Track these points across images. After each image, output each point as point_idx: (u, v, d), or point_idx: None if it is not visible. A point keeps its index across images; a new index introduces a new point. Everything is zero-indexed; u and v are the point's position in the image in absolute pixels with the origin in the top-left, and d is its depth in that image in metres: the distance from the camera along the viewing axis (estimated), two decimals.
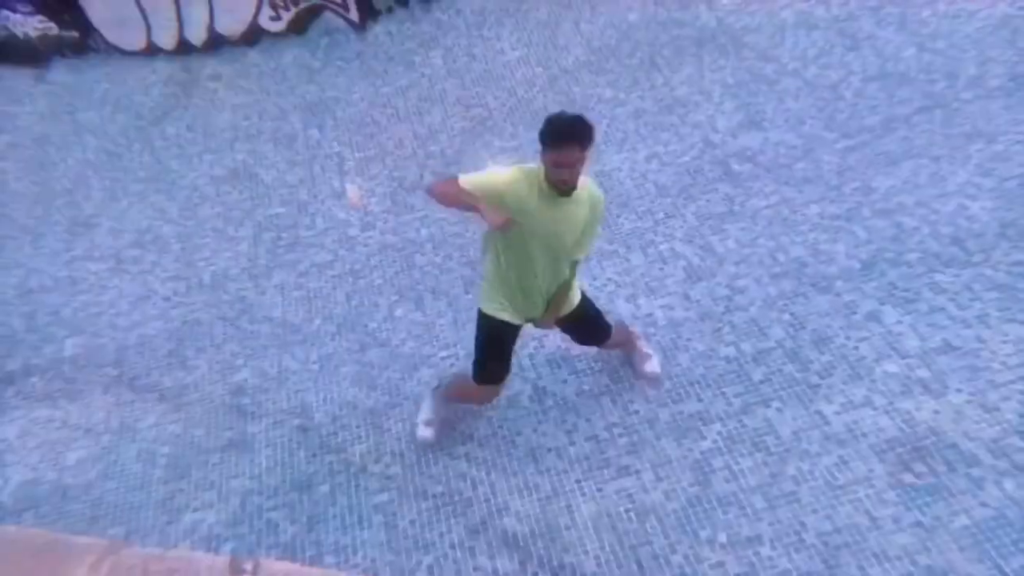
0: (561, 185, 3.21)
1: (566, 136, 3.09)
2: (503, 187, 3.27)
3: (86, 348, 5.38)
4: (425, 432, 4.17)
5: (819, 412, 3.94)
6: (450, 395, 4.18)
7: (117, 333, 5.45)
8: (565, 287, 3.65)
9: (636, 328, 4.46)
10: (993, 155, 5.00)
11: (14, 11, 7.87)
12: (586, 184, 3.37)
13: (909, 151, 5.20)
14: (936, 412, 3.79)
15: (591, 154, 3.20)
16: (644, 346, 4.37)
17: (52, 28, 7.92)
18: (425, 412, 4.23)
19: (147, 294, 5.71)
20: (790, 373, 4.15)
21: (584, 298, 3.88)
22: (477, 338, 3.75)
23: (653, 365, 4.30)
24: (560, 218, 3.35)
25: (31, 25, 7.94)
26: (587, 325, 3.98)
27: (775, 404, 4.03)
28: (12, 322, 5.68)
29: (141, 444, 4.69)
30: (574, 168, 3.15)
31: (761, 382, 4.15)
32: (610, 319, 4.12)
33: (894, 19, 6.34)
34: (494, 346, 3.73)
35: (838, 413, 3.91)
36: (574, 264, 3.62)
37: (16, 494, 4.53)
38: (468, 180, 3.27)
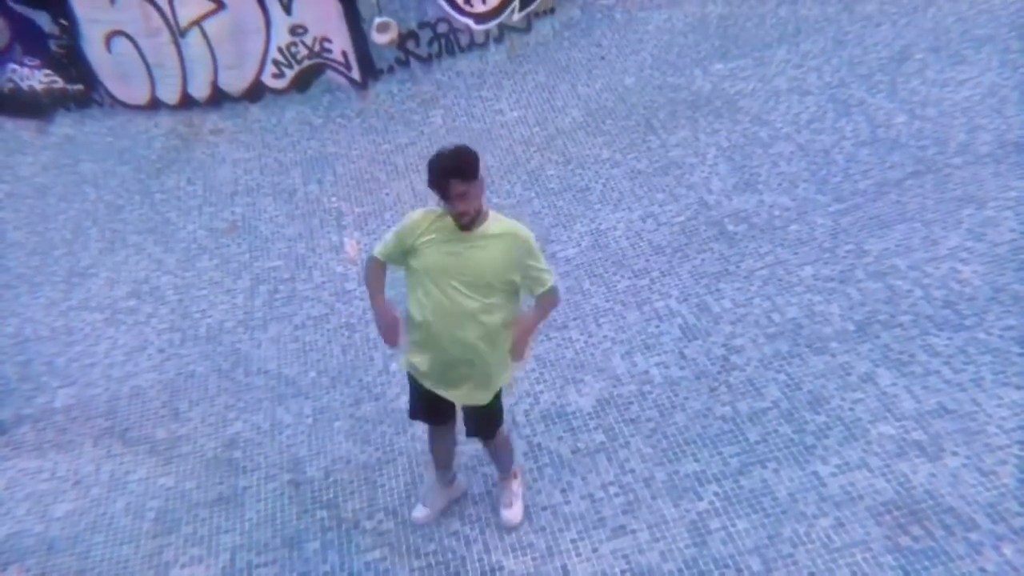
0: (459, 219, 3.22)
1: (442, 173, 3.14)
2: (398, 232, 3.40)
3: (78, 399, 5.34)
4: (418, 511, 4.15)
5: (815, 473, 3.92)
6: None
7: (110, 384, 5.42)
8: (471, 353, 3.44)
9: (518, 469, 4.18)
10: (984, 220, 5.08)
11: (21, 64, 7.98)
12: (502, 225, 3.34)
13: (901, 215, 5.28)
14: (933, 475, 3.78)
15: (480, 185, 3.21)
16: (516, 486, 4.10)
17: (57, 81, 8.03)
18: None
19: (142, 345, 5.69)
20: (786, 434, 4.15)
21: (493, 402, 3.66)
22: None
23: (513, 513, 4.04)
24: (463, 254, 3.28)
25: (37, 78, 8.05)
26: (476, 423, 3.79)
27: (771, 465, 4.02)
28: (6, 371, 5.64)
29: (130, 497, 4.63)
30: (464, 200, 3.16)
31: (757, 442, 4.14)
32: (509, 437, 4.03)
33: (885, 86, 6.50)
34: (412, 392, 3.76)
35: (834, 475, 3.90)
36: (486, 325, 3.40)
37: (1, 547, 4.45)
38: (378, 249, 3.47)
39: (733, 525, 3.80)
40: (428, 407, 3.73)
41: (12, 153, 7.99)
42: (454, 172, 3.13)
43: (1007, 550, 3.45)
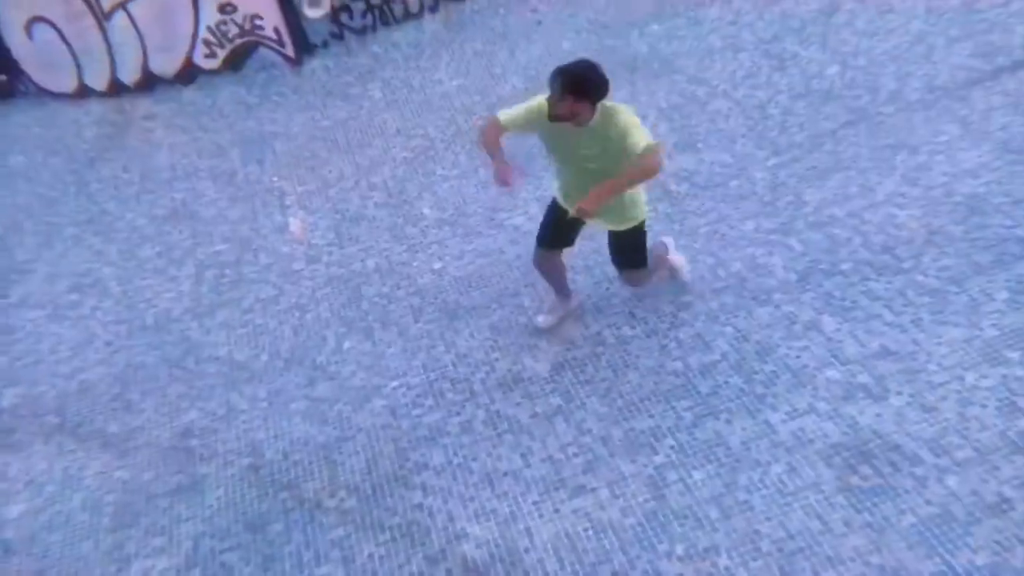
0: (551, 110, 3.84)
1: (550, 79, 3.79)
2: (524, 114, 4.00)
3: (25, 398, 5.23)
4: (545, 320, 4.83)
5: (766, 421, 4.03)
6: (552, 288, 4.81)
7: (58, 381, 5.31)
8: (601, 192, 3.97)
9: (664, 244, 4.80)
10: (917, 165, 5.21)
11: None
12: (610, 117, 3.90)
13: (837, 164, 5.39)
14: (878, 415, 3.90)
15: (576, 100, 3.72)
16: (674, 260, 4.82)
17: None
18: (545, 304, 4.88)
19: (88, 339, 5.58)
20: (736, 384, 4.24)
21: (633, 230, 4.30)
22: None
23: (683, 273, 4.85)
24: (571, 139, 3.96)
25: None
26: (619, 253, 4.45)
27: (724, 416, 4.11)
28: None
29: (86, 493, 4.57)
30: (557, 104, 3.78)
31: (709, 395, 4.23)
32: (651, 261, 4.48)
33: (816, 39, 6.59)
34: (548, 219, 4.48)
35: (784, 421, 4.00)
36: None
37: None
38: (504, 114, 4.04)
39: (690, 476, 3.89)
40: (556, 238, 4.47)
41: None
42: (553, 79, 3.76)
43: (951, 481, 3.59)
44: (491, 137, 4.11)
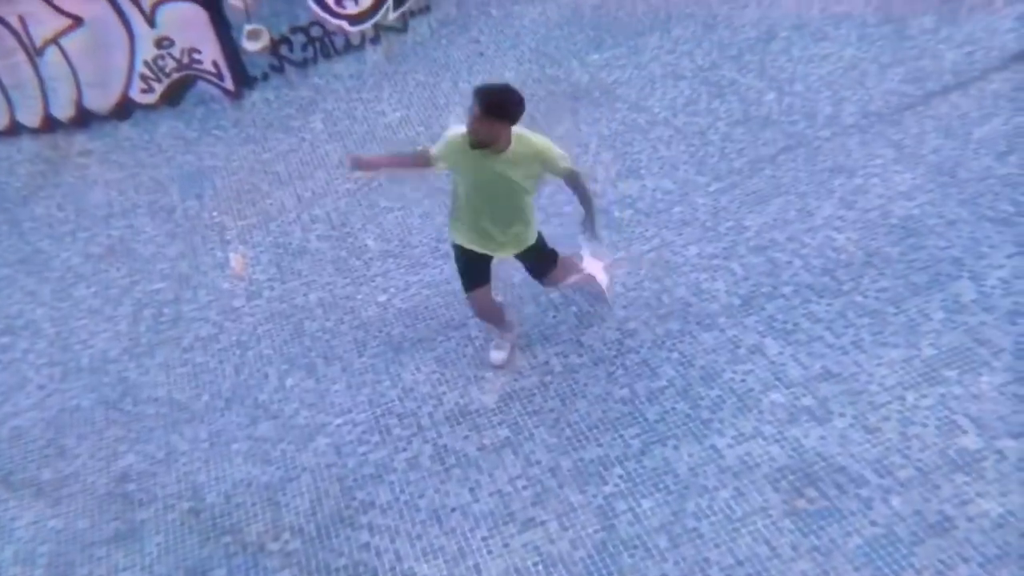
0: (471, 135, 3.86)
1: (473, 94, 3.81)
2: (446, 148, 4.09)
3: None
4: (497, 355, 4.78)
5: (713, 446, 4.03)
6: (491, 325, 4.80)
7: None
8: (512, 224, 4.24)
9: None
10: (854, 188, 5.32)
11: None
12: (524, 143, 3.95)
13: (777, 189, 5.47)
14: (823, 437, 3.93)
15: (497, 122, 3.78)
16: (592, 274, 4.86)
17: None
18: (494, 341, 4.83)
19: (20, 383, 5.38)
20: (683, 410, 4.24)
21: (536, 246, 4.43)
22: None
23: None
24: (489, 168, 3.96)
25: None
26: (534, 265, 4.56)
27: (671, 442, 4.10)
28: None
29: (18, 545, 4.38)
30: (475, 125, 3.80)
31: (656, 421, 4.22)
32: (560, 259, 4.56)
33: (754, 66, 6.72)
34: (460, 264, 4.47)
35: (731, 446, 4.01)
36: (518, 209, 4.19)
37: None
38: (436, 149, 4.15)
39: (639, 505, 3.87)
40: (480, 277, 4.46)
41: None
42: (475, 97, 3.78)
43: (895, 501, 3.62)
44: (410, 159, 4.38)
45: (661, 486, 3.92)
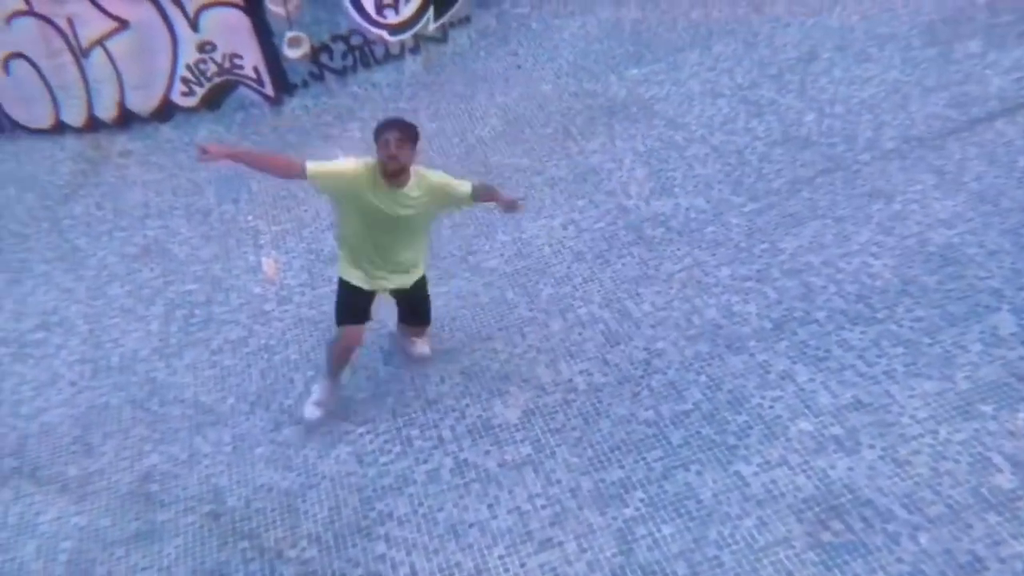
0: (387, 161, 3.92)
1: (388, 123, 3.99)
2: (337, 172, 4.04)
3: None
4: (313, 411, 4.70)
5: (738, 473, 3.95)
6: (330, 366, 4.66)
7: (18, 422, 5.18)
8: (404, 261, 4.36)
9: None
10: (892, 214, 5.21)
11: None
12: (422, 177, 4.12)
13: (814, 212, 5.38)
14: (850, 469, 3.83)
15: (413, 149, 3.99)
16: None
17: None
18: (315, 394, 4.74)
19: (52, 379, 5.46)
20: (708, 435, 4.17)
21: (423, 281, 4.56)
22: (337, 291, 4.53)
23: (421, 348, 4.96)
24: (390, 202, 4.06)
25: None
26: (414, 310, 4.70)
27: (695, 467, 4.03)
28: None
29: (41, 540, 4.42)
30: (397, 151, 3.90)
31: (680, 445, 4.15)
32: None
33: (794, 86, 6.63)
34: (345, 300, 4.46)
35: (756, 474, 3.93)
36: (415, 246, 4.37)
37: None
38: (312, 164, 4.02)
39: (659, 531, 3.80)
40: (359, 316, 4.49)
41: None
42: (393, 123, 3.99)
43: (923, 539, 3.51)
44: (274, 161, 4.35)
45: (683, 512, 3.85)
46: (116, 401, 5.20)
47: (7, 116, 7.74)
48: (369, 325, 4.57)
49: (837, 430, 4.02)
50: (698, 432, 4.19)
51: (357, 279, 4.37)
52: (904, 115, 6.04)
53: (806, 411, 4.15)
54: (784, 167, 5.83)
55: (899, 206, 5.26)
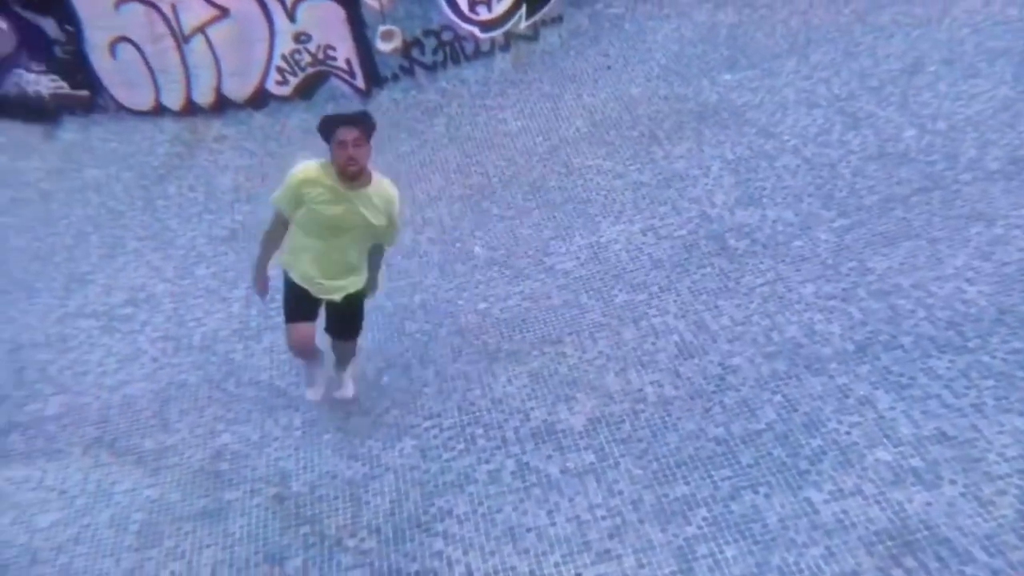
0: (346, 164, 3.75)
1: (343, 120, 3.79)
2: (294, 182, 3.90)
3: (70, 407, 5.30)
4: (311, 393, 4.78)
5: (807, 499, 3.80)
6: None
7: (102, 393, 5.38)
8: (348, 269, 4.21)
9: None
10: (992, 239, 4.94)
11: (27, 70, 8.01)
12: (383, 186, 4.01)
13: (907, 232, 5.14)
14: (928, 504, 3.64)
15: (369, 146, 3.87)
16: (350, 376, 4.83)
17: (63, 87, 8.06)
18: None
19: (135, 354, 5.66)
20: (779, 457, 4.03)
21: (360, 294, 4.39)
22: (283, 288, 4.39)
23: (346, 391, 4.82)
24: (345, 204, 3.90)
25: (43, 84, 8.07)
26: (344, 320, 4.47)
27: (763, 489, 3.90)
28: (0, 377, 5.62)
29: (115, 509, 4.58)
30: (357, 151, 3.73)
31: (750, 466, 4.03)
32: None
33: (895, 99, 6.36)
34: (290, 298, 4.34)
35: (827, 501, 3.77)
36: (367, 254, 4.27)
37: None
38: (273, 197, 4.03)
39: (721, 552, 3.69)
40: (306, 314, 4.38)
41: (18, 158, 8.00)
42: (352, 120, 3.81)
43: None
44: (276, 238, 4.19)
45: (747, 534, 3.73)
46: (194, 379, 5.35)
47: (112, 97, 8.06)
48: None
49: (917, 462, 3.82)
50: (769, 453, 4.06)
51: (298, 276, 4.23)
52: (1013, 134, 5.72)
53: (885, 440, 3.97)
54: (878, 183, 5.60)
55: (1000, 230, 4.98)
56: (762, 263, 5.22)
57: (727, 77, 7.21)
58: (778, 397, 4.34)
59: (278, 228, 4.18)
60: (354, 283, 4.31)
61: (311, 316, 4.33)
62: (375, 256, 4.39)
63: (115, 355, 5.67)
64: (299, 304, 4.29)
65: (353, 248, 4.14)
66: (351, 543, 4.14)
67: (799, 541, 3.64)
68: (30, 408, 5.34)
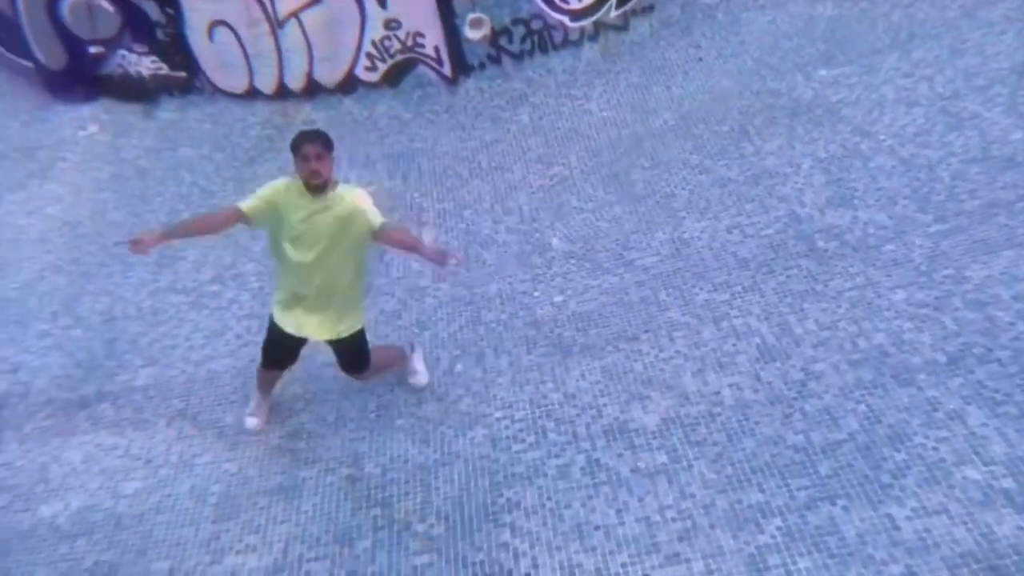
0: (310, 177, 3.96)
1: (305, 137, 4.03)
2: (269, 195, 4.07)
3: (157, 379, 5.49)
4: (252, 421, 4.91)
5: (889, 515, 3.66)
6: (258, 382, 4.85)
7: (188, 367, 5.55)
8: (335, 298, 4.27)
9: (412, 345, 5.03)
10: None
11: (130, 51, 8.30)
12: (350, 197, 4.12)
13: (1010, 240, 4.88)
14: (1020, 528, 3.47)
15: (331, 158, 4.06)
16: (417, 361, 4.93)
17: (163, 68, 8.32)
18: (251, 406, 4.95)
19: (221, 330, 5.81)
20: (861, 470, 3.88)
21: (360, 336, 4.46)
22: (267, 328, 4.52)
23: (418, 378, 4.91)
24: (314, 217, 4.04)
25: (144, 65, 8.36)
26: (351, 359, 4.55)
27: (841, 502, 3.77)
28: (94, 347, 5.85)
29: (196, 480, 4.72)
30: (319, 164, 3.94)
31: (829, 476, 3.90)
32: (375, 348, 4.62)
33: (1003, 100, 6.04)
34: (270, 342, 4.50)
35: (909, 518, 3.62)
36: (342, 281, 4.25)
37: (74, 518, 4.61)
38: (249, 201, 4.08)
39: (794, 563, 3.59)
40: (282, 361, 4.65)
41: (119, 136, 8.31)
42: (313, 135, 4.06)
43: None
44: (209, 220, 4.42)
45: (823, 547, 3.61)
46: None
47: (208, 80, 8.28)
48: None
49: (1009, 483, 3.64)
50: (850, 465, 3.92)
51: (288, 323, 4.33)
52: None
53: (975, 458, 3.78)
54: (980, 188, 5.33)
55: None
56: (852, 266, 5.04)
57: (823, 72, 6.97)
58: (862, 407, 4.19)
59: (219, 216, 4.36)
60: (347, 324, 4.39)
61: (284, 365, 4.64)
62: (395, 242, 4.27)
63: (202, 330, 5.84)
64: (274, 350, 4.51)
65: (338, 267, 4.20)
66: (420, 528, 4.18)
67: (877, 558, 3.51)
68: (120, 378, 5.55)
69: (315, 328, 4.34)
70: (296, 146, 4.02)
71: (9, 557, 4.44)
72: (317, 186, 4.02)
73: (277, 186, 4.11)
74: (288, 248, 4.15)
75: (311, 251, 4.12)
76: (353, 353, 4.53)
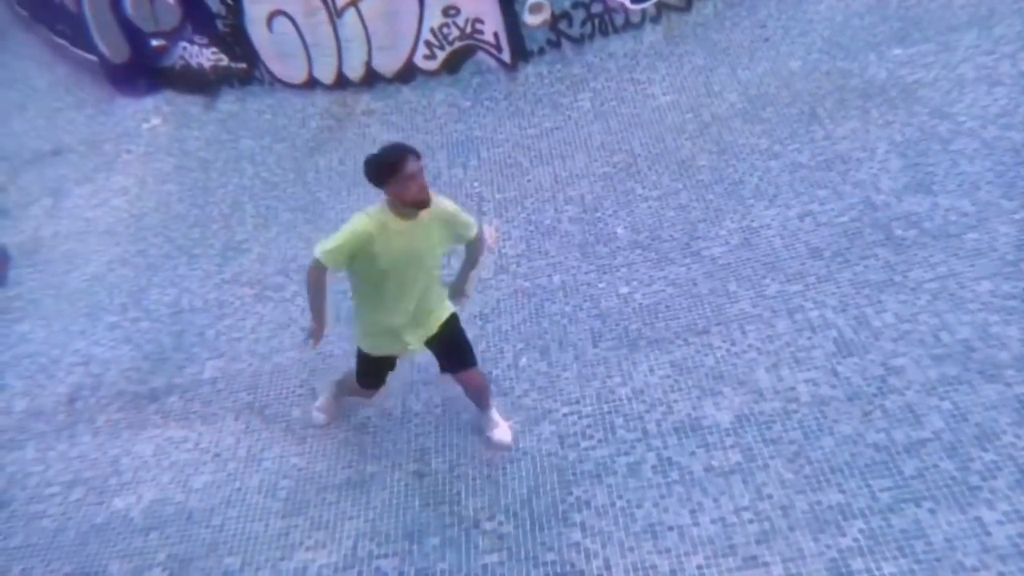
0: (420, 194, 3.69)
1: (400, 154, 3.68)
2: (351, 238, 3.72)
3: (224, 372, 5.54)
4: (319, 416, 4.90)
5: (978, 519, 3.51)
6: (341, 392, 4.77)
7: (254, 360, 5.58)
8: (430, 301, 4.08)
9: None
10: None
11: (191, 42, 8.37)
12: (438, 199, 3.90)
13: None
14: None
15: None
16: (495, 412, 4.53)
17: (223, 59, 8.38)
18: (320, 400, 4.92)
19: (286, 323, 5.84)
20: (948, 470, 3.73)
21: (454, 316, 4.22)
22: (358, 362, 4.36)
23: (502, 433, 4.49)
24: (413, 241, 3.80)
25: (205, 56, 8.43)
26: (454, 347, 4.22)
27: (927, 504, 3.62)
28: (162, 339, 5.93)
29: (264, 474, 4.75)
30: (423, 180, 3.70)
31: (913, 477, 3.75)
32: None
33: None
34: (370, 371, 4.36)
35: (1001, 523, 3.47)
36: (435, 288, 4.09)
37: (146, 512, 4.68)
38: (322, 250, 3.75)
39: (879, 568, 3.46)
40: (382, 380, 4.50)
41: (181, 127, 8.41)
42: (407, 149, 3.75)
43: None
44: (319, 288, 3.93)
45: (908, 552, 3.48)
46: (340, 351, 5.45)
47: (268, 70, 8.31)
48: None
49: None
50: (936, 465, 3.76)
51: (382, 349, 4.19)
52: None
53: None
54: None
55: None
56: (932, 256, 4.83)
57: (897, 51, 6.69)
58: (946, 404, 4.02)
59: (320, 283, 3.96)
60: (436, 315, 4.16)
61: (384, 381, 4.52)
62: (471, 253, 4.25)
63: (267, 323, 5.87)
64: (376, 374, 4.41)
65: (431, 275, 4.03)
66: (488, 526, 4.14)
67: (968, 564, 3.37)
68: (188, 371, 5.62)
69: (418, 341, 4.15)
70: (395, 167, 3.66)
71: (86, 549, 4.53)
72: (426, 202, 3.74)
73: (356, 230, 3.74)
74: (383, 279, 3.87)
75: (408, 272, 3.88)
76: (456, 342, 4.22)
